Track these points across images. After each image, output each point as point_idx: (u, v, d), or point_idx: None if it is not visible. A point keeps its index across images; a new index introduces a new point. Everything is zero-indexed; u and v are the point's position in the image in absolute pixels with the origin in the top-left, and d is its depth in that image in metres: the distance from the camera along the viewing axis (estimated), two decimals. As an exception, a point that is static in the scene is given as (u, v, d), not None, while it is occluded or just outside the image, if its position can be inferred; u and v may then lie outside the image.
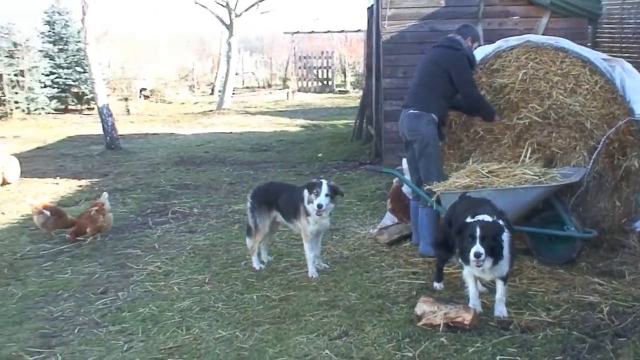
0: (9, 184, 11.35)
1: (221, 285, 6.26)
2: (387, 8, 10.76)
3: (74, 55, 24.33)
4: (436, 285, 5.90)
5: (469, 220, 5.12)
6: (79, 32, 20.89)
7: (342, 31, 32.32)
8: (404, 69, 10.58)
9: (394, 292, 5.84)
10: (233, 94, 26.42)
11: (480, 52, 7.36)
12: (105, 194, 8.35)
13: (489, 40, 8.06)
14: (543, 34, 9.91)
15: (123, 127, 17.99)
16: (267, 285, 6.20)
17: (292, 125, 19.40)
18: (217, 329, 5.25)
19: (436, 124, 6.64)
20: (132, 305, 5.87)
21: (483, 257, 4.89)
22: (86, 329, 5.42)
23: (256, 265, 6.67)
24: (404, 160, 7.31)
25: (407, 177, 7.12)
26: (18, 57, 22.52)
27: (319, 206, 6.11)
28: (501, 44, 7.48)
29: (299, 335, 5.05)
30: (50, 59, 24.19)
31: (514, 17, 10.79)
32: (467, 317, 4.98)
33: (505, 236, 5.07)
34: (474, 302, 5.30)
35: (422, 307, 5.17)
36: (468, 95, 6.72)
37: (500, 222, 5.11)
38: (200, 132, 18.62)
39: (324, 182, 6.24)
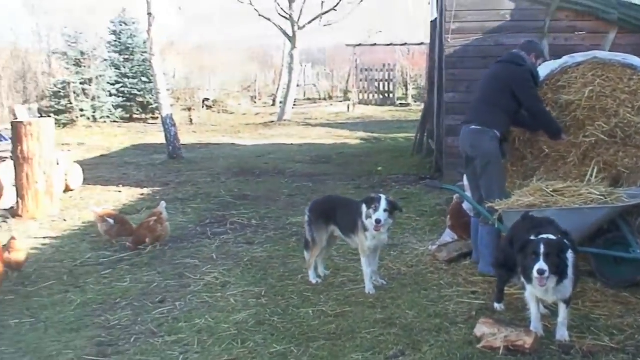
0: (71, 190, 11.57)
1: (277, 298, 6.22)
2: (450, 22, 10.64)
3: (139, 65, 24.84)
4: (497, 306, 5.76)
5: (532, 237, 5.01)
6: (144, 42, 21.33)
7: (405, 44, 32.24)
8: (467, 84, 10.42)
9: (452, 312, 5.71)
10: (294, 105, 26.58)
11: (546, 68, 7.22)
12: (163, 203, 8.42)
13: (555, 56, 7.89)
14: (610, 50, 9.66)
15: (185, 137, 18.25)
16: (323, 300, 6.14)
17: (352, 138, 19.38)
18: (272, 343, 5.21)
19: (499, 140, 6.52)
20: (189, 315, 5.87)
21: (547, 274, 4.73)
22: (142, 339, 5.43)
23: (313, 279, 6.63)
24: (465, 177, 7.19)
25: (468, 193, 7.00)
26: (85, 66, 23.10)
27: (377, 221, 6.04)
28: (567, 59, 7.33)
29: (355, 353, 4.96)
30: (116, 69, 24.74)
31: (581, 33, 10.53)
32: (528, 341, 4.83)
33: (570, 256, 4.92)
34: (536, 325, 5.14)
35: (482, 328, 5.05)
36: (534, 111, 6.58)
37: (565, 241, 4.98)
38: (261, 143, 18.74)
39: (383, 197, 6.17)
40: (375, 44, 32.80)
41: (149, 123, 23.91)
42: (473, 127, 6.57)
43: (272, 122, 24.16)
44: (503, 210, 6.19)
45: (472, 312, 5.70)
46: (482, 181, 6.57)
